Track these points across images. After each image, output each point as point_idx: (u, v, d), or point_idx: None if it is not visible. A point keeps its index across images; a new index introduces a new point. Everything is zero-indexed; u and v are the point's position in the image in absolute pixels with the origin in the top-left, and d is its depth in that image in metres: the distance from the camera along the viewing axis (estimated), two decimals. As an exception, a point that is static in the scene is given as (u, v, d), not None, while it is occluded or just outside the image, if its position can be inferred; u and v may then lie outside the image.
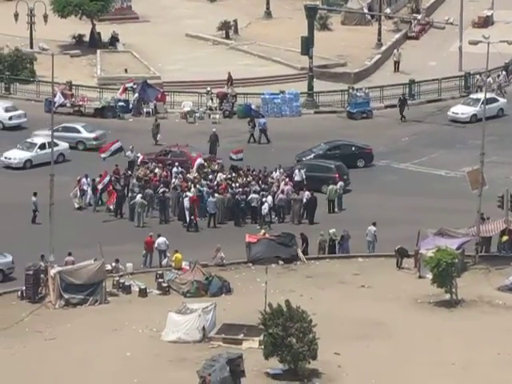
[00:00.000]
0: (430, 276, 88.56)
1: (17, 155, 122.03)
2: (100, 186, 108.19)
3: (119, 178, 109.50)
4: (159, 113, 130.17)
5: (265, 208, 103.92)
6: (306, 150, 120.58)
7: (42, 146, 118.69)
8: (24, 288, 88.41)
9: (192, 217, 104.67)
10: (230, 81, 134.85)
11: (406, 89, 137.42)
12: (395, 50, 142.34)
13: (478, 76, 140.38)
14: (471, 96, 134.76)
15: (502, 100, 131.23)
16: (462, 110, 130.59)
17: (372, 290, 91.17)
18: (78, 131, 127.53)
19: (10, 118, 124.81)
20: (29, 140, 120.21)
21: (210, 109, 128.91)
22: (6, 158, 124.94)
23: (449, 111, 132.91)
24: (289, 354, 77.82)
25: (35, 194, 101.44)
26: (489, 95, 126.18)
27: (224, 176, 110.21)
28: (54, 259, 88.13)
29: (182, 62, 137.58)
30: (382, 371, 77.38)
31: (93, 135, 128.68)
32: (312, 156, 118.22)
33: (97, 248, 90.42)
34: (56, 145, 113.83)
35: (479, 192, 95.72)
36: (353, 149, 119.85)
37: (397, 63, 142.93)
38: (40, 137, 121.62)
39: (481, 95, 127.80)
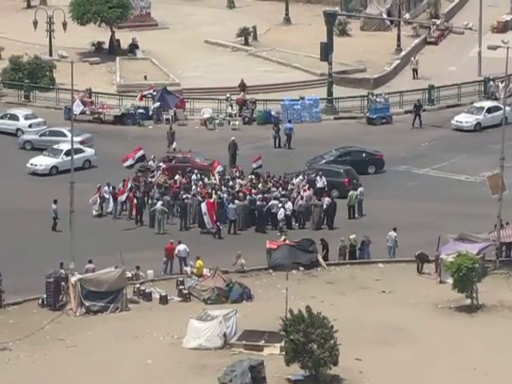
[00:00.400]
0: (450, 281, 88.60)
1: (43, 162, 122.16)
2: (123, 197, 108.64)
3: (139, 186, 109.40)
4: (179, 120, 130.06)
5: (281, 214, 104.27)
6: (317, 156, 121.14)
7: (68, 153, 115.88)
8: (45, 296, 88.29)
9: (214, 223, 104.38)
10: (242, 87, 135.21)
11: (425, 94, 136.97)
12: (412, 58, 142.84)
13: (491, 82, 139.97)
14: (475, 104, 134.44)
15: (506, 108, 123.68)
16: (465, 119, 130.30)
17: (393, 295, 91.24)
18: (64, 135, 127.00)
19: (30, 126, 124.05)
20: (55, 146, 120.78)
21: (230, 115, 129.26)
22: (32, 164, 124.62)
23: (453, 120, 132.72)
24: (310, 360, 77.83)
25: (55, 202, 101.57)
26: (493, 103, 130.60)
27: (244, 182, 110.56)
28: (74, 267, 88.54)
29: (201, 69, 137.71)
30: (403, 377, 77.56)
31: (79, 139, 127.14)
32: (323, 162, 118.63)
33: (117, 255, 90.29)
34: (82, 151, 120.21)
35: (499, 197, 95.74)
36: (363, 155, 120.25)
37: (415, 70, 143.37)
38: (66, 143, 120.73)
39: (484, 103, 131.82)
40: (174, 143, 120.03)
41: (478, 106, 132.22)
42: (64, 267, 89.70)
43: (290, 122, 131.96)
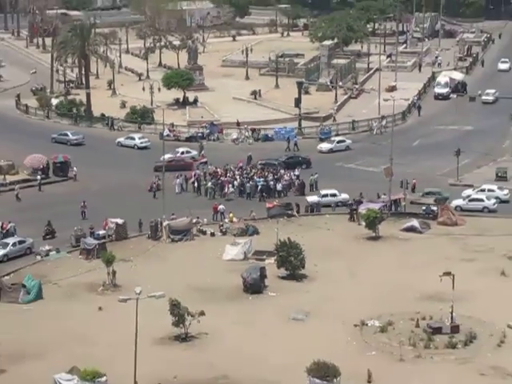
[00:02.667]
0: (364, 224, 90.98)
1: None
2: (192, 179, 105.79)
3: (200, 174, 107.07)
4: (219, 139, 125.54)
5: (278, 188, 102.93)
6: (271, 158, 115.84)
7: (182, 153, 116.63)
8: (149, 232, 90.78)
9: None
10: (238, 124, 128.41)
11: (350, 125, 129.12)
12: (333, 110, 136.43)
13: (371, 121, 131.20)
14: (331, 138, 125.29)
15: (348, 141, 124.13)
16: (325, 146, 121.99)
17: (334, 231, 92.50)
18: (67, 135, 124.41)
19: (141, 143, 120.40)
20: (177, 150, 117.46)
21: (247, 137, 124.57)
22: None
23: (318, 146, 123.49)
24: (290, 266, 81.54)
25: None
26: (340, 138, 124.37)
27: (254, 171, 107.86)
28: (164, 217, 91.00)
29: (231, 112, 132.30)
30: (339, 274, 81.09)
31: (75, 137, 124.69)
32: (277, 162, 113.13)
33: (188, 211, 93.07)
34: (188, 152, 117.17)
35: (390, 179, 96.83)
36: (299, 158, 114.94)
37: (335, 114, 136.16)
38: (182, 147, 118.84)
39: (337, 138, 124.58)
40: (202, 152, 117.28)
41: (332, 139, 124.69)
42: (160, 218, 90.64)
43: (295, 136, 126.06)
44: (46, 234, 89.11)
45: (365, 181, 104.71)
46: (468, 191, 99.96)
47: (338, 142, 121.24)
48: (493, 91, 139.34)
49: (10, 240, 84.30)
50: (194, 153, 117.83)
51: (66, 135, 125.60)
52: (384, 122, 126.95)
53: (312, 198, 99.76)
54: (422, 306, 72.24)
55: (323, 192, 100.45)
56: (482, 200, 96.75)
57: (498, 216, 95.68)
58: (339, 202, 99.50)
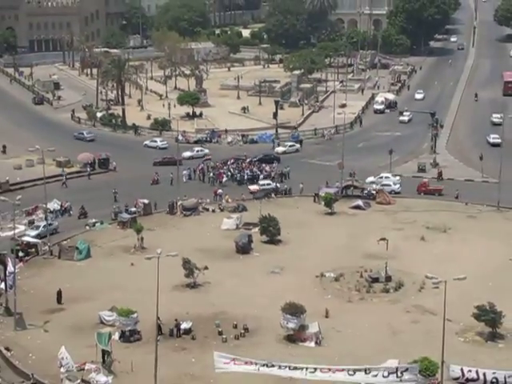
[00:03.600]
0: (323, 203, 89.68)
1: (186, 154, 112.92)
2: (198, 170, 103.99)
3: (203, 166, 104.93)
4: (218, 142, 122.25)
5: (261, 178, 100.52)
6: (240, 155, 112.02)
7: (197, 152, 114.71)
8: (168, 209, 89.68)
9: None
10: (226, 131, 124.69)
11: (314, 132, 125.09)
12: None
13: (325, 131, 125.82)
14: (285, 143, 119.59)
15: (297, 145, 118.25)
16: (280, 149, 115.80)
17: (300, 209, 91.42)
18: (83, 134, 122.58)
19: (162, 145, 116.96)
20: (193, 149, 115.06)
21: (239, 140, 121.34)
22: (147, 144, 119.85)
23: (275, 149, 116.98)
24: (269, 233, 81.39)
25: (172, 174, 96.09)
26: (291, 143, 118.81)
27: (245, 165, 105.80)
28: (179, 198, 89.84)
29: (228, 121, 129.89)
30: (305, 239, 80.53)
31: (89, 135, 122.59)
32: (256, 158, 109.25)
33: (196, 196, 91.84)
34: (202, 151, 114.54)
35: (341, 170, 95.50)
36: (272, 156, 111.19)
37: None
38: (196, 147, 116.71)
39: (289, 143, 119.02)
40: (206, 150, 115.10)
41: (285, 143, 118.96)
42: (175, 199, 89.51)
43: (296, 137, 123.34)
44: (80, 214, 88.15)
45: (323, 172, 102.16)
46: (370, 178, 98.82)
47: (290, 146, 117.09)
48: (408, 113, 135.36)
49: (41, 223, 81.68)
50: (207, 151, 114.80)
51: (82, 134, 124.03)
52: (333, 131, 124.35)
53: (253, 187, 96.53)
54: (365, 262, 72.63)
55: (261, 182, 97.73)
56: (389, 185, 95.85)
57: (406, 196, 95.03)
58: (273, 189, 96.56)
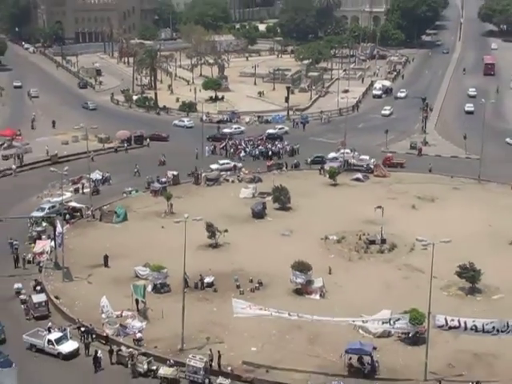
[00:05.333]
0: (328, 176, 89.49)
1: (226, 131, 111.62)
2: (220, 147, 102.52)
3: (227, 143, 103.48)
4: (237, 122, 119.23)
5: (270, 153, 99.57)
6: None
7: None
8: (193, 180, 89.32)
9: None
10: (234, 115, 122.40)
11: (322, 114, 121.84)
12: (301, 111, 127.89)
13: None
14: (276, 126, 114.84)
15: (286, 128, 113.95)
16: (271, 131, 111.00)
17: (309, 180, 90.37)
18: (87, 103, 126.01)
19: (189, 124, 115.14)
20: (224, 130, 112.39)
21: (255, 121, 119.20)
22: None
23: (266, 131, 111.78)
24: (281, 202, 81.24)
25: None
26: (281, 126, 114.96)
27: (259, 142, 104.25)
28: (203, 170, 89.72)
29: (246, 104, 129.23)
30: (312, 207, 79.80)
31: (92, 105, 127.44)
32: (262, 137, 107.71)
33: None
34: (238, 128, 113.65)
35: (344, 148, 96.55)
36: (276, 135, 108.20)
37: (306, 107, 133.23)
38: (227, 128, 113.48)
39: (279, 126, 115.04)
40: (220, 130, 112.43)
41: (278, 126, 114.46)
42: (200, 171, 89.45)
43: (305, 118, 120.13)
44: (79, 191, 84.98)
45: (327, 148, 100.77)
46: (332, 154, 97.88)
47: (280, 129, 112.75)
48: (404, 89, 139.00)
49: (46, 205, 77.25)
50: (243, 128, 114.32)
51: (87, 103, 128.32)
52: (329, 114, 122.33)
53: (214, 166, 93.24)
54: (363, 227, 72.54)
55: (221, 162, 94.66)
56: (364, 160, 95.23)
57: (405, 170, 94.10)
58: (231, 168, 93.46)
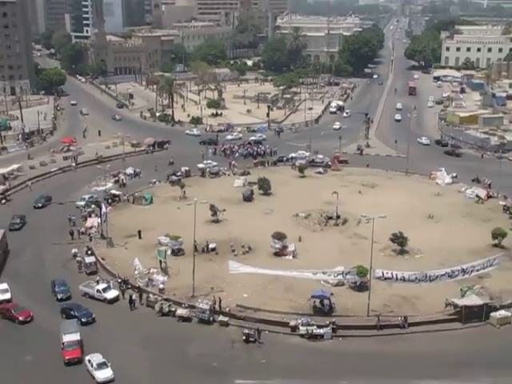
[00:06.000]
0: (297, 170, 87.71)
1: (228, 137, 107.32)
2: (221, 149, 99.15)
3: (226, 148, 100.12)
4: (232, 131, 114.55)
5: (255, 154, 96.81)
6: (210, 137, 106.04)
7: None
8: (200, 173, 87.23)
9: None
10: (229, 126, 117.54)
11: (293, 125, 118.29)
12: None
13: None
14: (257, 134, 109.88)
15: (264, 135, 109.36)
16: (251, 138, 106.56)
17: (284, 173, 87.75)
18: (115, 116, 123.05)
19: (197, 133, 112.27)
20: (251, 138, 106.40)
21: (244, 130, 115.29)
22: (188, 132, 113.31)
23: (249, 138, 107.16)
24: (264, 189, 79.41)
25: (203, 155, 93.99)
26: (259, 135, 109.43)
27: (247, 145, 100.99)
28: (207, 166, 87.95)
29: (238, 118, 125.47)
30: (287, 193, 78.04)
31: (118, 117, 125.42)
32: (247, 142, 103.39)
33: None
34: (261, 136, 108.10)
35: (309, 150, 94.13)
36: (257, 140, 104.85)
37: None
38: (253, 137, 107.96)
39: (258, 134, 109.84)
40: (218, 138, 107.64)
41: (256, 135, 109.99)
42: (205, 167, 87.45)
43: (281, 128, 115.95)
44: (118, 182, 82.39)
45: (296, 150, 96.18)
46: (292, 154, 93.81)
47: (259, 136, 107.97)
48: (349, 111, 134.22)
49: (86, 196, 74.88)
50: (241, 135, 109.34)
51: (115, 116, 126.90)
52: (297, 125, 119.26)
53: (201, 165, 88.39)
54: (323, 206, 71.69)
55: (205, 162, 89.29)
56: (304, 157, 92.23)
57: (353, 166, 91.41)
58: (214, 167, 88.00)
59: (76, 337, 42.73)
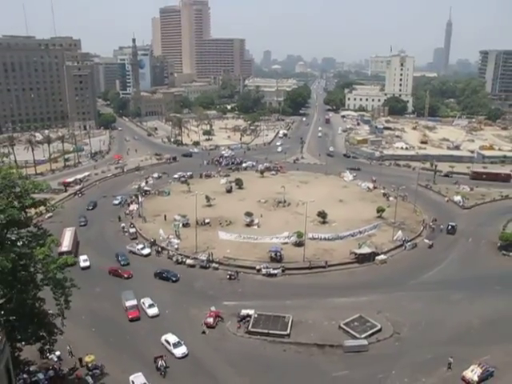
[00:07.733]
0: (259, 173, 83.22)
1: (225, 153, 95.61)
2: (212, 161, 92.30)
3: (218, 159, 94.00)
4: (220, 149, 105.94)
5: (233, 163, 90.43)
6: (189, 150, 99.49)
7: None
8: (199, 176, 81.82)
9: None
10: (217, 146, 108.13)
11: (256, 145, 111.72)
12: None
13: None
14: (228, 151, 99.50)
15: (233, 152, 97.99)
16: (226, 153, 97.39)
17: (252, 175, 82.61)
18: (136, 136, 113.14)
19: (197, 151, 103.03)
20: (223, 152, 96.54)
21: (227, 148, 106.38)
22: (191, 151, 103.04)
23: (224, 153, 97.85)
24: (239, 185, 75.43)
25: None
26: (231, 152, 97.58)
27: (232, 160, 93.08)
28: (204, 171, 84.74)
29: (223, 141, 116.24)
30: (254, 187, 75.42)
31: (137, 137, 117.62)
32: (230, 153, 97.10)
33: (210, 170, 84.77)
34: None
35: (269, 161, 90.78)
36: (230, 155, 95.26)
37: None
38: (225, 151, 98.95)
39: (231, 152, 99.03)
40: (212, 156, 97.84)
41: (229, 152, 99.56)
42: (203, 172, 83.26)
43: (249, 147, 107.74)
44: (147, 182, 77.14)
45: (259, 161, 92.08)
46: (249, 163, 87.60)
47: (230, 153, 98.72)
48: (282, 143, 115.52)
49: (119, 197, 68.52)
50: (233, 153, 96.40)
51: (135, 136, 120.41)
52: (259, 145, 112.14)
53: (176, 175, 79.02)
54: (276, 196, 69.40)
55: (179, 173, 79.32)
56: (253, 165, 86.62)
57: (293, 169, 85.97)
58: (187, 175, 78.32)
59: (134, 302, 40.60)
